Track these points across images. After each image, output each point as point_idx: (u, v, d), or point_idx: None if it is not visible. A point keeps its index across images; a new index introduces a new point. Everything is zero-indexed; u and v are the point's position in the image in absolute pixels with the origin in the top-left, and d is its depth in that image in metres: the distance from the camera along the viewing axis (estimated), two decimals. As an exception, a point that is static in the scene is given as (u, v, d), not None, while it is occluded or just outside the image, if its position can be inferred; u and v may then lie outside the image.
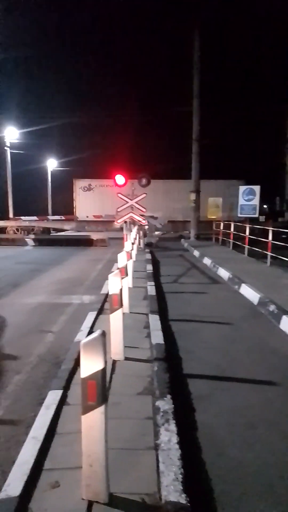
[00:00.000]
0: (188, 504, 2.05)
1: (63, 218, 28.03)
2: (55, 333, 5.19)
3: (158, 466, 2.37)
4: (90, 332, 4.88)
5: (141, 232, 16.06)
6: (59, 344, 4.75)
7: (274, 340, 4.93)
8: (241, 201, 14.41)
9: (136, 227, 14.13)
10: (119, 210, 13.73)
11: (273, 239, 10.27)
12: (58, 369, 3.86)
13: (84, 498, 2.07)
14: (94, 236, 18.24)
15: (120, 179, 13.53)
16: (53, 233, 23.72)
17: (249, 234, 12.28)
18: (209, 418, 3.10)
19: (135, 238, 12.38)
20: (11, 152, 29.03)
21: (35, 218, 27.35)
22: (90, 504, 2.05)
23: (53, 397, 3.20)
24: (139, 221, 14.45)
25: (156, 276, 9.22)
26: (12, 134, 29.44)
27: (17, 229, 21.46)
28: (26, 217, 27.72)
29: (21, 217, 27.42)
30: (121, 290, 4.05)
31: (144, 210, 13.81)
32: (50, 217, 27.71)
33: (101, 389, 1.93)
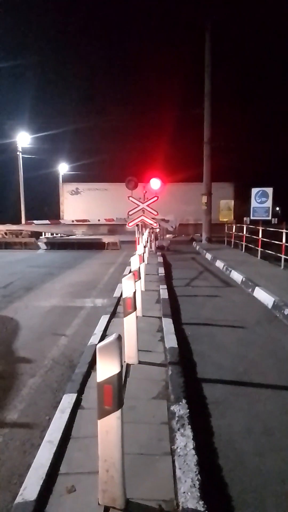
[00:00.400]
0: (206, 512, 2.02)
1: (48, 222, 27.95)
2: (69, 336, 5.20)
3: (174, 472, 2.34)
4: (104, 335, 4.87)
5: (152, 235, 16.05)
6: (73, 347, 4.75)
7: (290, 344, 4.85)
8: (254, 204, 14.25)
9: (147, 230, 14.08)
10: (130, 213, 13.70)
11: (286, 242, 10.13)
12: (72, 373, 3.86)
13: (100, 504, 2.05)
14: (106, 239, 18.32)
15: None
16: (64, 236, 23.79)
17: (262, 237, 12.14)
18: (226, 424, 3.05)
19: (147, 241, 12.35)
20: (23, 157, 29.35)
21: (47, 222, 27.45)
22: (107, 509, 2.03)
23: (67, 400, 3.19)
24: (151, 224, 14.42)
25: (168, 279, 9.18)
26: (24, 139, 29.77)
27: (5, 233, 21.36)
28: (38, 221, 27.83)
29: (34, 221, 27.55)
30: (134, 293, 4.03)
31: (155, 213, 13.76)
32: (36, 222, 27.63)
33: (117, 393, 1.91)
